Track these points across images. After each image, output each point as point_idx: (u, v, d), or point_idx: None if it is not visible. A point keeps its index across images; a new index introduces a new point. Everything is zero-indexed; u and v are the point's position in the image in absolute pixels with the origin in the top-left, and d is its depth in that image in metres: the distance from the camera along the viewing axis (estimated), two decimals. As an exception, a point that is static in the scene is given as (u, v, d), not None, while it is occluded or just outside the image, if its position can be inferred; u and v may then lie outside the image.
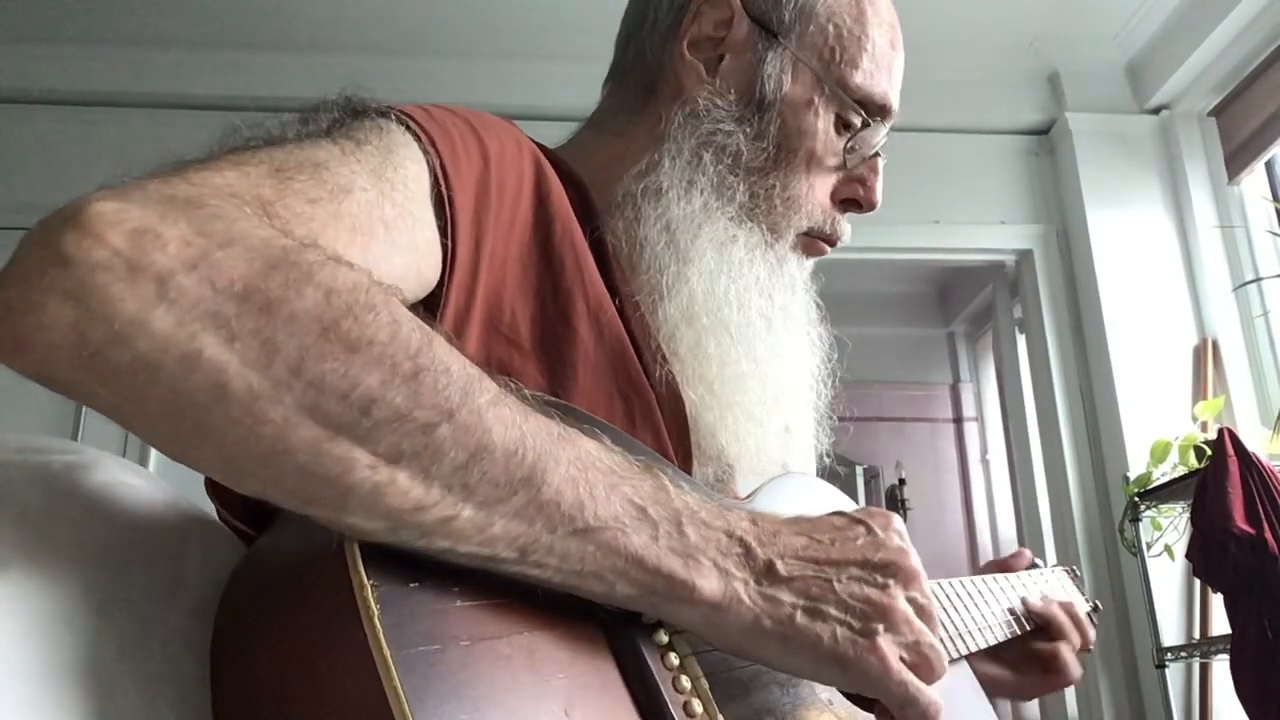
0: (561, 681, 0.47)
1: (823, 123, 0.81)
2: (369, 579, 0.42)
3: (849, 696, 0.65)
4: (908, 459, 4.24)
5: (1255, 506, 2.13)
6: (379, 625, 0.41)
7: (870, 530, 0.59)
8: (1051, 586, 1.10)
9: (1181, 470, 2.42)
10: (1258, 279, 2.77)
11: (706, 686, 0.55)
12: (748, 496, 0.78)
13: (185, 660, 0.46)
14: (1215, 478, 2.20)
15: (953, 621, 0.84)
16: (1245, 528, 2.10)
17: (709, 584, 0.51)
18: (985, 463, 4.23)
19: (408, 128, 0.62)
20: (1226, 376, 2.74)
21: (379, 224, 0.55)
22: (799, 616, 0.53)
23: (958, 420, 4.40)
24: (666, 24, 0.83)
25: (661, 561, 0.50)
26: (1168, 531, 2.50)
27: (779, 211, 0.81)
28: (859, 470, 4.18)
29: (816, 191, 0.83)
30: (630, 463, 0.52)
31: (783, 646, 0.54)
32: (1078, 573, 1.20)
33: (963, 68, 3.03)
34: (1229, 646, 2.14)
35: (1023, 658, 0.98)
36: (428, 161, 0.61)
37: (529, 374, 0.66)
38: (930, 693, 0.56)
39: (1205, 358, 2.78)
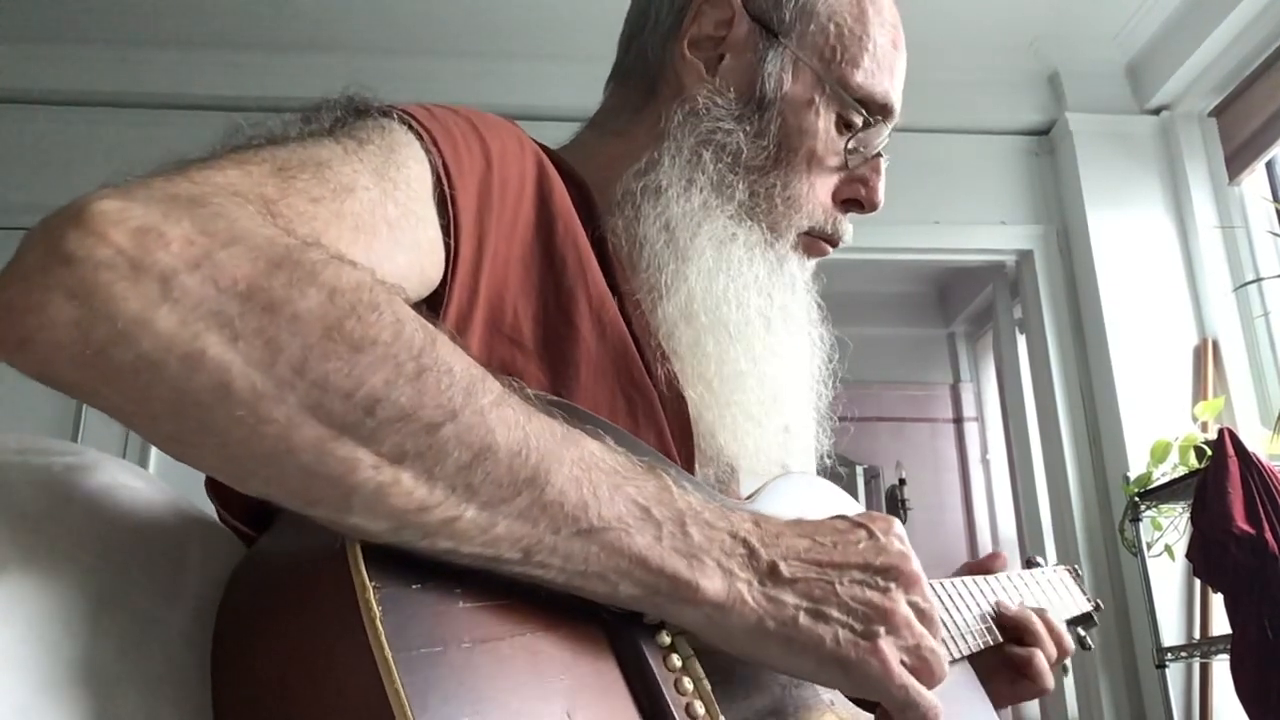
0: (563, 683, 0.47)
1: (823, 122, 0.81)
2: (371, 580, 0.42)
3: (851, 699, 0.65)
4: (908, 459, 4.24)
5: (1255, 507, 2.13)
6: (381, 626, 0.40)
7: (871, 534, 0.59)
8: (1053, 586, 1.09)
9: (1182, 470, 2.42)
10: (1258, 279, 2.77)
11: (709, 688, 0.54)
12: (749, 496, 0.78)
13: (186, 661, 0.46)
14: (1215, 478, 2.20)
15: (945, 625, 0.83)
16: (1245, 528, 2.10)
17: (713, 584, 0.51)
18: (985, 463, 4.23)
19: (410, 127, 0.62)
20: (1227, 377, 2.74)
21: (382, 223, 0.55)
22: (802, 618, 0.54)
23: (958, 420, 4.40)
24: (668, 24, 0.83)
25: (665, 562, 0.50)
26: (1168, 531, 2.50)
27: (779, 210, 0.81)
28: (859, 470, 4.18)
29: (817, 191, 0.82)
30: (634, 463, 0.52)
31: (785, 648, 0.54)
32: (1079, 571, 1.20)
33: (963, 68, 3.03)
34: (1229, 646, 2.14)
35: (994, 665, 0.91)
36: (430, 161, 0.61)
37: (531, 373, 0.65)
38: (930, 696, 0.56)
39: (1205, 358, 2.78)
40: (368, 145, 0.58)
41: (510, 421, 0.46)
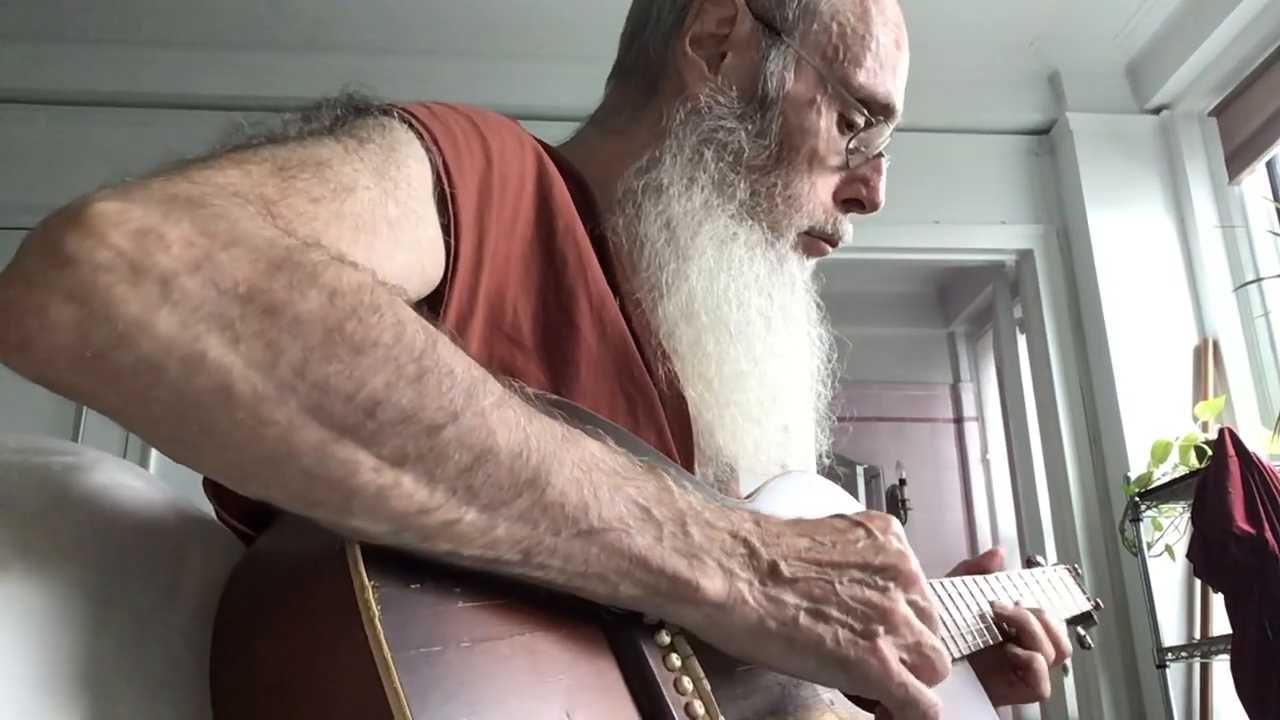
0: (563, 682, 0.47)
1: (825, 121, 0.81)
2: (370, 580, 0.42)
3: (850, 698, 0.65)
4: (908, 459, 4.24)
5: (1256, 506, 2.13)
6: (380, 626, 0.40)
7: (870, 533, 0.59)
8: (1053, 585, 1.09)
9: (1182, 470, 2.42)
10: (1258, 279, 2.77)
11: (708, 688, 0.54)
12: (749, 496, 0.78)
13: (185, 661, 0.46)
14: (1216, 478, 2.20)
15: (945, 624, 0.83)
16: (1246, 528, 2.10)
17: (713, 584, 0.51)
18: (986, 463, 4.23)
19: (410, 125, 0.62)
20: (1227, 376, 2.74)
21: (382, 222, 0.55)
22: (802, 618, 0.54)
23: (958, 420, 4.40)
24: (670, 21, 0.83)
25: (666, 562, 0.50)
26: (1168, 531, 2.50)
27: (780, 210, 0.81)
28: (859, 470, 4.18)
29: (818, 190, 0.82)
30: (634, 463, 0.52)
31: (786, 647, 0.54)
32: (1079, 571, 1.20)
33: (963, 68, 3.02)
34: (1229, 646, 2.14)
35: (993, 664, 0.90)
36: (430, 159, 0.61)
37: (531, 373, 0.65)
38: (930, 694, 0.56)
39: (1206, 358, 2.78)
40: (368, 144, 0.58)
41: (511, 423, 0.46)
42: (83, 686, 0.41)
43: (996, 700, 0.90)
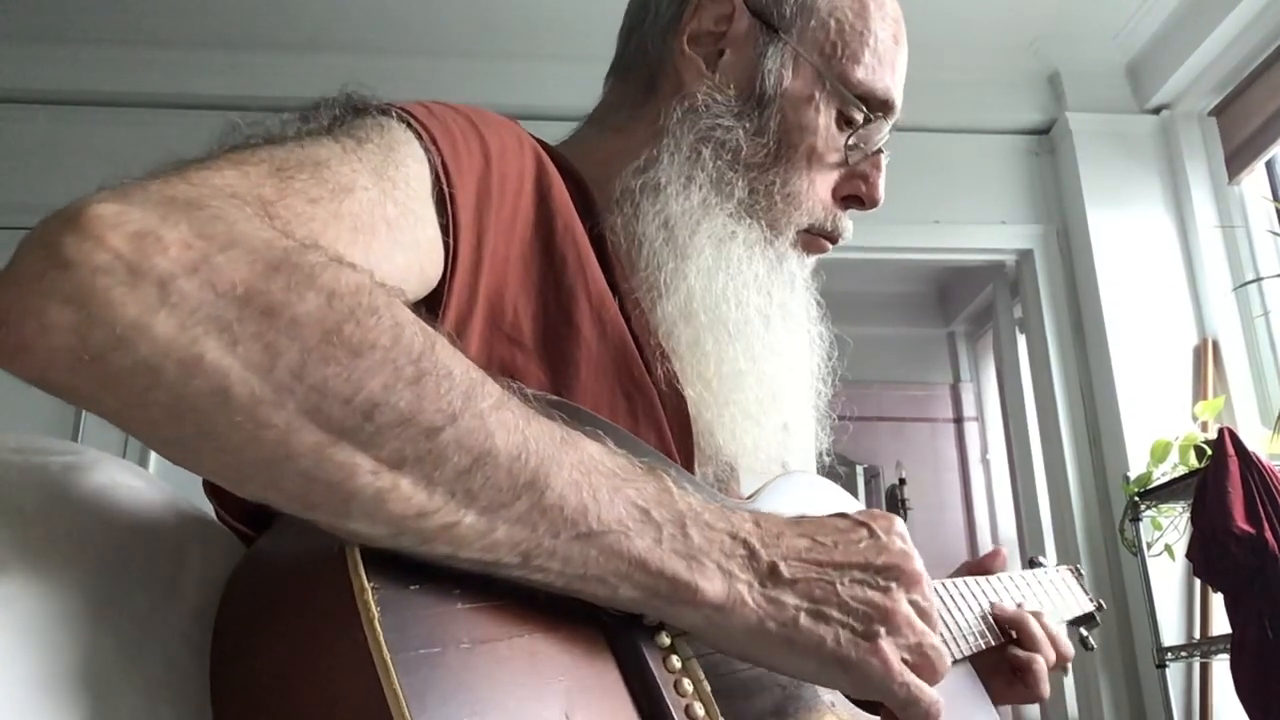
0: (562, 684, 0.47)
1: (824, 118, 0.80)
2: (369, 581, 0.42)
3: (851, 699, 0.64)
4: (908, 459, 4.24)
5: (1255, 506, 2.13)
6: (379, 628, 0.40)
7: (873, 533, 0.59)
8: (1055, 586, 1.09)
9: (1182, 470, 2.42)
10: (1258, 279, 2.77)
11: (708, 689, 0.54)
12: (750, 496, 0.78)
13: (185, 661, 0.46)
14: (1215, 477, 2.20)
15: (947, 625, 0.83)
16: (1245, 528, 2.10)
17: (712, 586, 0.51)
18: (985, 462, 4.23)
19: (409, 125, 0.61)
20: (1227, 376, 2.74)
21: (381, 223, 0.54)
22: (803, 619, 0.53)
23: (958, 420, 4.40)
24: (667, 18, 0.82)
25: (665, 564, 0.50)
26: (1168, 531, 2.49)
27: (779, 208, 0.80)
28: (859, 470, 4.18)
29: (817, 188, 0.82)
30: (634, 464, 0.52)
31: (786, 649, 0.54)
32: (1081, 572, 1.20)
33: (963, 68, 3.02)
34: (1229, 646, 2.14)
35: (993, 664, 0.90)
36: (429, 159, 0.61)
37: (531, 373, 0.65)
38: (931, 692, 0.56)
39: (1205, 357, 2.78)
40: (366, 144, 0.58)
41: (510, 425, 0.46)
42: (83, 687, 0.41)
43: (997, 699, 0.90)
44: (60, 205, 0.42)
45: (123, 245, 0.40)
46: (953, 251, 3.14)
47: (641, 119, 0.82)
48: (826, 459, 0.88)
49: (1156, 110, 3.02)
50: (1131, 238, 2.92)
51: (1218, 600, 2.39)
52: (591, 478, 0.48)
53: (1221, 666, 2.34)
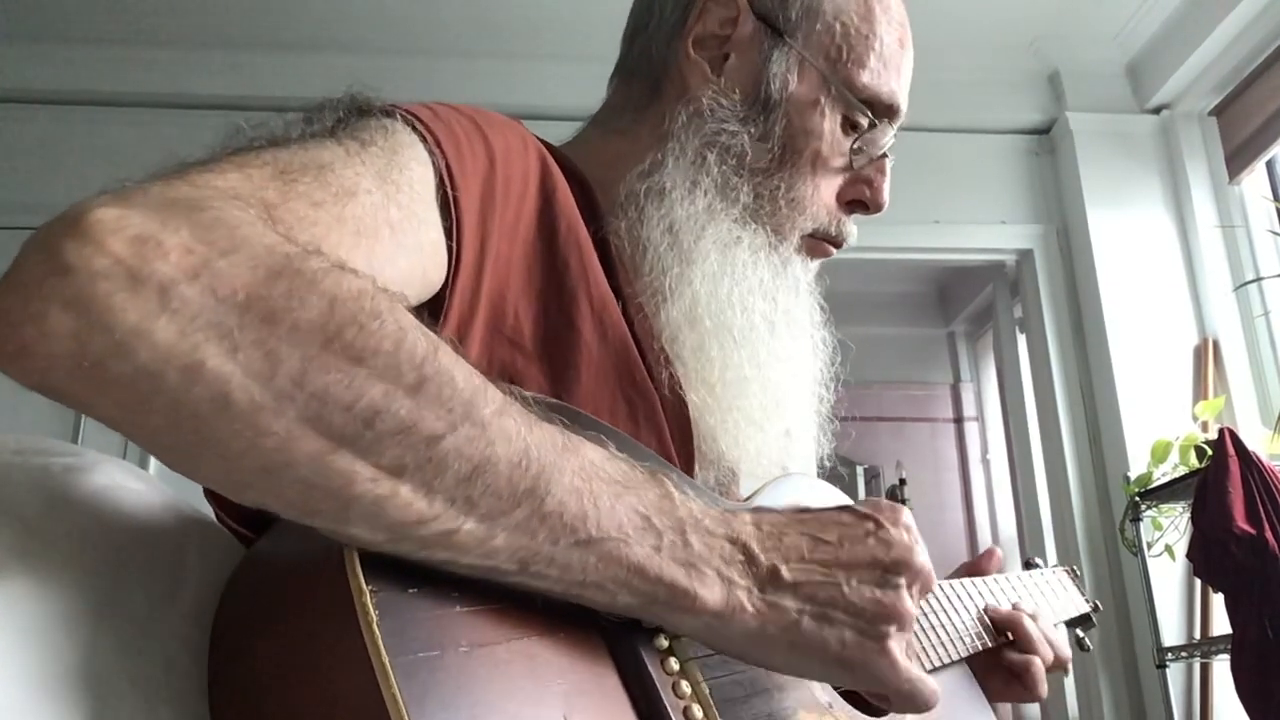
0: (561, 687, 0.47)
1: (829, 123, 0.80)
2: (368, 584, 0.42)
3: (848, 699, 0.65)
4: (908, 459, 4.24)
5: (1256, 506, 2.13)
6: (378, 631, 0.40)
7: (880, 525, 0.58)
8: (1051, 587, 1.09)
9: (1182, 470, 2.42)
10: (1258, 279, 2.77)
11: (707, 691, 0.54)
12: (748, 498, 0.77)
13: (184, 663, 0.46)
14: (1216, 478, 2.20)
15: (933, 628, 0.83)
16: (1246, 528, 2.10)
17: (711, 594, 0.51)
18: (986, 462, 4.23)
19: (413, 128, 0.61)
20: (1227, 376, 2.74)
21: (384, 226, 0.54)
22: (805, 622, 0.53)
23: (958, 420, 4.40)
24: (672, 21, 0.82)
25: (664, 571, 0.50)
26: (1168, 531, 2.49)
27: (784, 213, 0.80)
28: (859, 470, 4.18)
29: (822, 193, 0.82)
30: (635, 470, 0.52)
31: (788, 652, 0.53)
32: (1078, 572, 1.20)
33: (963, 68, 3.02)
34: (1229, 646, 2.14)
35: (990, 664, 0.90)
36: (433, 162, 0.60)
37: (532, 376, 0.65)
38: (932, 682, 0.57)
39: (1206, 357, 2.78)
40: (370, 147, 0.57)
41: (511, 432, 0.46)
42: (82, 689, 0.41)
43: (993, 698, 0.90)
44: (60, 205, 0.41)
45: (123, 250, 0.39)
46: (953, 251, 3.14)
47: (646, 122, 0.81)
48: (827, 462, 0.87)
49: (1157, 110, 3.02)
50: (1132, 238, 2.92)
51: (1218, 600, 2.39)
52: (592, 484, 0.48)
53: (1222, 667, 2.34)
